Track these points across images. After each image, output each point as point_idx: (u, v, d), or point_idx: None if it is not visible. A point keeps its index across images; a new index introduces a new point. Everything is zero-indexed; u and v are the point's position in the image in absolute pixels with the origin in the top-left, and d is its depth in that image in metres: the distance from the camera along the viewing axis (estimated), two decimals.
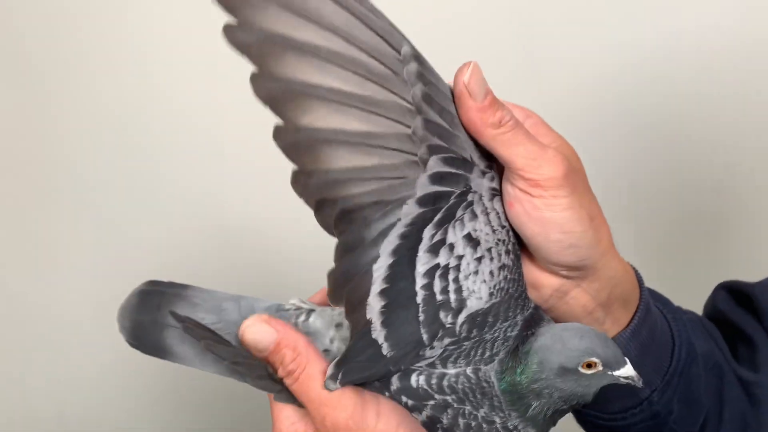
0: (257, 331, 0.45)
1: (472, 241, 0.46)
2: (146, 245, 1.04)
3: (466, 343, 0.46)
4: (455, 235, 0.46)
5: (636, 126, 0.99)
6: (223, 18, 0.41)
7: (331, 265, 0.45)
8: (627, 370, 0.46)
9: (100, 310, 0.98)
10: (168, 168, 1.04)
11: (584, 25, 0.96)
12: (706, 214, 1.02)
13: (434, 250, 0.46)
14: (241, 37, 0.41)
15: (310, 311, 0.49)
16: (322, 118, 0.43)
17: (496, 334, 0.47)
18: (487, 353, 0.47)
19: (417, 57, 0.45)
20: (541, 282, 0.50)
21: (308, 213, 0.45)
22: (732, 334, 0.61)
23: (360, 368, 0.46)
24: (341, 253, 0.45)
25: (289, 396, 0.47)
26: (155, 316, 0.47)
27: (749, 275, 0.65)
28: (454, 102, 0.46)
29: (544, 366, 0.46)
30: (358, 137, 0.44)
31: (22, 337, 1.06)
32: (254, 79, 0.42)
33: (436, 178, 0.45)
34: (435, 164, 0.45)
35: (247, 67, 0.41)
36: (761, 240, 1.01)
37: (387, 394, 0.46)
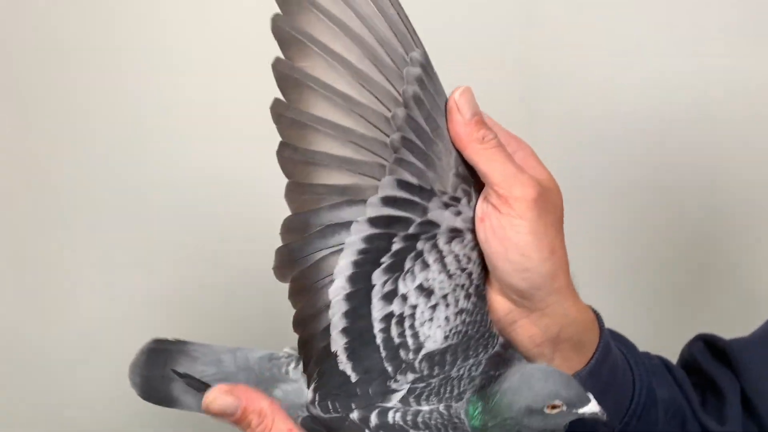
0: (221, 404, 0.47)
1: (425, 290, 0.49)
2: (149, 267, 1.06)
3: (432, 380, 0.49)
4: (406, 287, 0.48)
5: (630, 178, 1.01)
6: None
7: None
8: (591, 407, 0.48)
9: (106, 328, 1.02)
10: (172, 208, 1.05)
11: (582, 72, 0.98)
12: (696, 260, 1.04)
13: (388, 298, 0.48)
14: None
15: (300, 358, 0.51)
16: (316, 68, 0.47)
17: (461, 372, 0.49)
18: (456, 391, 0.49)
19: (424, 66, 0.49)
20: (493, 304, 0.51)
21: None
22: (703, 384, 0.62)
23: (334, 392, 0.49)
24: (286, 229, 0.48)
25: None
26: (162, 372, 0.51)
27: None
28: (445, 117, 0.49)
29: (512, 406, 0.48)
30: (341, 98, 0.47)
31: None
32: (275, 19, 0.47)
33: (389, 201, 0.48)
34: (388, 186, 0.48)
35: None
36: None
37: (367, 430, 0.48)
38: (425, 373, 0.49)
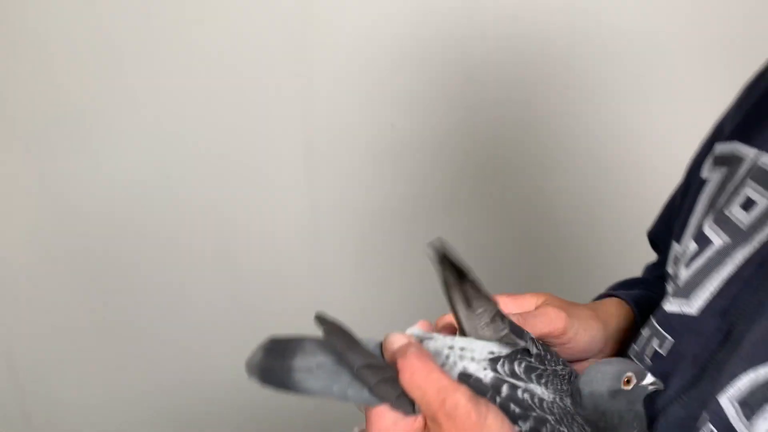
0: (395, 339, 0.55)
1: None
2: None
3: (541, 366, 0.56)
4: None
5: None
6: None
7: None
8: (650, 378, 0.56)
9: None
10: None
11: None
12: None
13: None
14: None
15: (426, 339, 0.57)
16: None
17: (557, 367, 0.57)
18: (560, 386, 0.57)
19: None
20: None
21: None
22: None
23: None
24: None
25: (403, 401, 0.53)
26: (282, 363, 0.53)
27: None
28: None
29: (594, 395, 0.55)
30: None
31: None
32: None
33: None
34: None
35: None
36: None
37: (498, 399, 0.54)
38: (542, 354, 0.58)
